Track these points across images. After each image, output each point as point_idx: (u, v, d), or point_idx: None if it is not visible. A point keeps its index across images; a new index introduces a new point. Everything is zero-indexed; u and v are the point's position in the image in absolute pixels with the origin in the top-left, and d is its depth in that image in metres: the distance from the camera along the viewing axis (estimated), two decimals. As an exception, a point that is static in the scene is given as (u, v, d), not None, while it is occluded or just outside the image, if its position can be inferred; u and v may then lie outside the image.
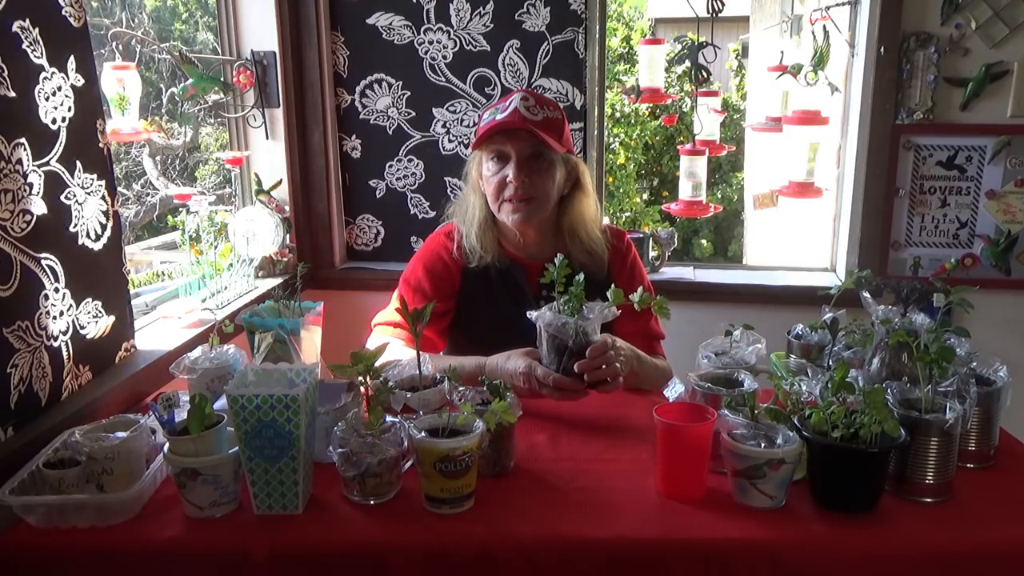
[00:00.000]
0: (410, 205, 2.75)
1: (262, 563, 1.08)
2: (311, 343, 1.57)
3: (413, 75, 2.62)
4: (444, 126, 2.66)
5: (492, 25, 2.56)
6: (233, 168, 2.55)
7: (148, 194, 3.66)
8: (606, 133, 3.23)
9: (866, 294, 1.45)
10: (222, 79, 2.43)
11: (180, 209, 2.06)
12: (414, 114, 2.66)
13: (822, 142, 2.36)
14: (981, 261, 2.51)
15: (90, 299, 1.51)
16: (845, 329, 1.48)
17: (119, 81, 1.93)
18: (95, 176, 1.54)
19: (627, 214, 7.89)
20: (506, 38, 2.56)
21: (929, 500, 1.18)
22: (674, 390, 1.38)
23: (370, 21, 2.60)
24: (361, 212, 2.78)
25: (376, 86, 2.65)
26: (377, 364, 1.24)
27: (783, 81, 2.42)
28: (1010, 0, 2.31)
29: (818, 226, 2.97)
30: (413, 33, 2.59)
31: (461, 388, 1.32)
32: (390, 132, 2.68)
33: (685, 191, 2.29)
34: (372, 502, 1.19)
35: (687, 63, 2.31)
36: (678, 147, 2.35)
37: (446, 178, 2.70)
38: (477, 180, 1.80)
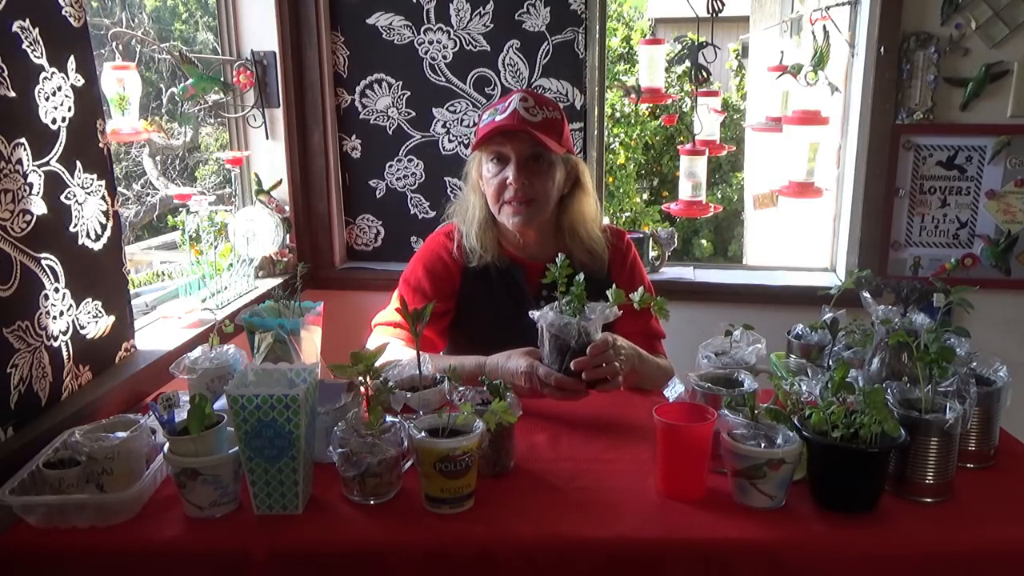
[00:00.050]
0: (410, 205, 2.75)
1: (262, 563, 1.08)
2: (311, 343, 1.57)
3: (413, 75, 2.62)
4: (444, 126, 2.66)
5: (492, 25, 2.56)
6: (233, 168, 2.55)
7: (148, 194, 3.66)
8: (606, 133, 3.23)
9: (866, 294, 1.45)
10: (222, 79, 2.43)
11: (180, 209, 2.06)
12: (414, 114, 2.66)
13: (822, 142, 2.36)
14: (981, 261, 2.51)
15: (90, 299, 1.51)
16: (845, 329, 1.48)
17: (119, 81, 1.93)
18: (95, 176, 1.54)
19: (627, 214, 7.89)
20: (506, 38, 2.56)
21: (929, 500, 1.18)
22: (674, 390, 1.38)
23: (370, 21, 2.60)
24: (361, 212, 2.78)
25: (376, 86, 2.65)
26: (377, 364, 1.24)
27: (783, 81, 2.42)
28: (1010, 0, 2.31)
29: (818, 226, 2.97)
30: (413, 33, 2.59)
31: (461, 388, 1.32)
32: (390, 132, 2.68)
33: (685, 191, 2.29)
34: (372, 502, 1.19)
35: (687, 63, 2.31)
36: (678, 147, 2.35)
37: (446, 178, 2.70)
38: (477, 180, 1.80)
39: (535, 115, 1.69)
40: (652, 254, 2.72)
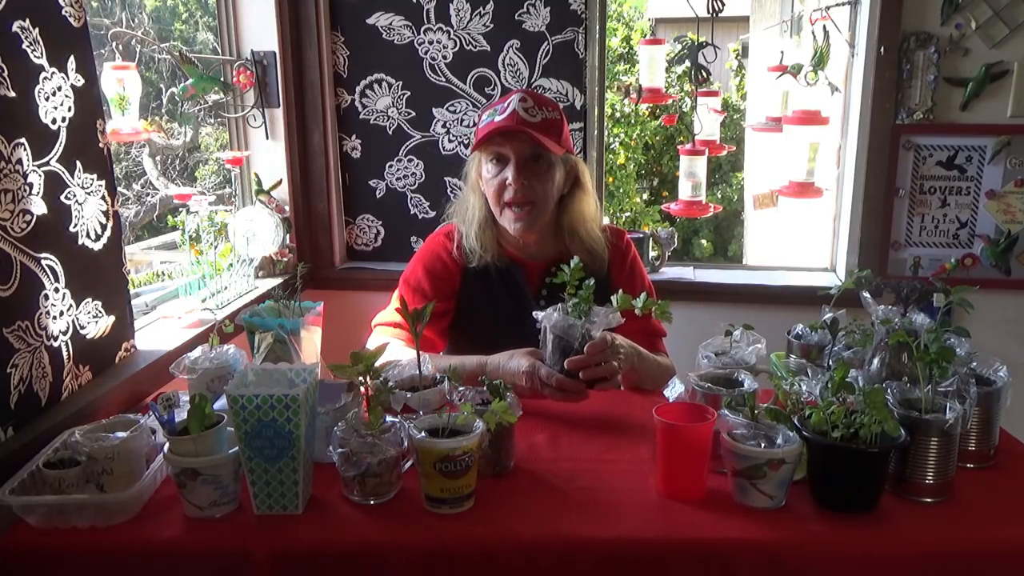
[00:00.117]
0: (410, 205, 2.75)
1: (262, 563, 1.08)
2: (311, 343, 1.57)
3: (413, 75, 2.62)
4: (444, 126, 2.66)
5: (492, 25, 2.56)
6: (233, 168, 2.55)
7: (148, 194, 3.66)
8: (606, 133, 3.23)
9: (866, 294, 1.45)
10: (222, 79, 2.43)
11: (180, 209, 2.06)
12: (414, 114, 2.66)
13: (822, 142, 2.36)
14: (981, 261, 2.51)
15: (90, 299, 1.51)
16: (845, 329, 1.48)
17: (119, 81, 1.93)
18: (95, 176, 1.54)
19: (627, 214, 7.89)
20: (506, 38, 2.56)
21: (929, 500, 1.18)
22: (674, 390, 1.38)
23: (370, 21, 2.60)
24: (361, 212, 2.78)
25: (376, 86, 2.65)
26: (377, 364, 1.24)
27: (783, 81, 2.42)
28: (1010, 0, 2.31)
29: (818, 226, 2.97)
30: (413, 33, 2.59)
31: (461, 388, 1.32)
32: (390, 132, 2.68)
33: (685, 191, 2.29)
34: (372, 502, 1.19)
35: (687, 63, 2.31)
36: (678, 147, 2.35)
37: (446, 178, 2.70)
38: (476, 181, 1.80)
39: (534, 115, 1.69)
40: (652, 254, 2.72)
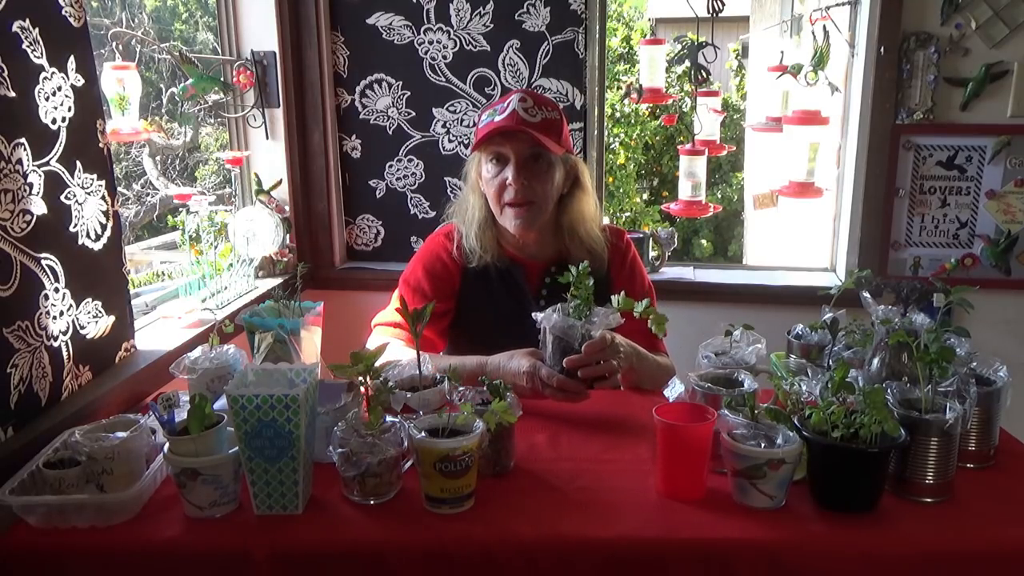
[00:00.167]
0: (410, 205, 2.75)
1: (262, 563, 1.08)
2: (311, 343, 1.57)
3: (413, 75, 2.62)
4: (444, 126, 2.66)
5: (492, 25, 2.56)
6: (233, 168, 2.55)
7: (148, 194, 3.66)
8: (606, 133, 3.23)
9: (866, 294, 1.45)
10: (222, 79, 2.43)
11: (180, 209, 2.06)
12: (414, 114, 2.66)
13: (822, 142, 2.36)
14: (981, 261, 2.51)
15: (90, 299, 1.51)
16: (845, 329, 1.48)
17: (119, 81, 1.93)
18: (95, 176, 1.54)
19: (627, 214, 7.89)
20: (506, 38, 2.56)
21: (929, 500, 1.18)
22: (674, 390, 1.38)
23: (370, 21, 2.60)
24: (361, 212, 2.78)
25: (376, 86, 2.65)
26: (377, 364, 1.24)
27: (783, 81, 2.42)
28: (1010, 0, 2.31)
29: (818, 226, 2.97)
30: (413, 33, 2.59)
31: (461, 388, 1.32)
32: (390, 132, 2.68)
33: (685, 191, 2.29)
34: (372, 502, 1.19)
35: (687, 63, 2.31)
36: (678, 147, 2.35)
37: (446, 178, 2.70)
38: (476, 181, 1.80)
39: (534, 115, 1.69)
40: (652, 254, 2.72)
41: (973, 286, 1.35)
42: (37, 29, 1.38)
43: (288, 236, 2.53)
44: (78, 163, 1.48)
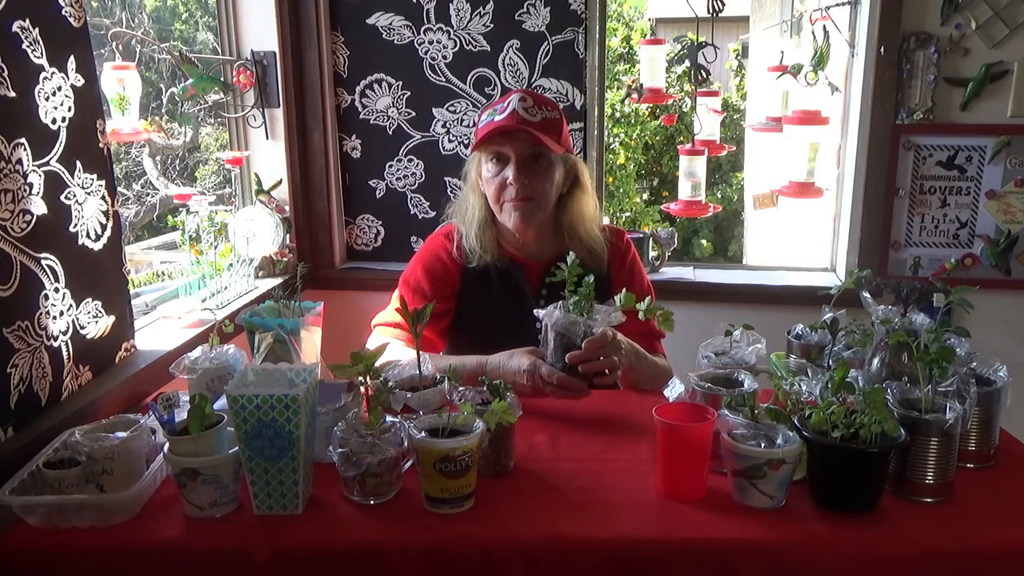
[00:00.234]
0: (410, 205, 2.75)
1: (262, 563, 1.08)
2: (311, 343, 1.57)
3: (413, 75, 2.62)
4: (444, 126, 2.66)
5: (492, 25, 2.56)
6: (233, 168, 2.55)
7: (148, 194, 3.66)
8: (606, 133, 3.23)
9: (866, 294, 1.45)
10: (222, 79, 2.43)
11: (180, 209, 2.06)
12: (414, 114, 2.66)
13: (822, 142, 2.36)
14: (981, 261, 2.51)
15: (90, 299, 1.51)
16: (845, 329, 1.48)
17: (119, 81, 1.93)
18: (95, 176, 1.54)
19: (627, 214, 7.89)
20: (506, 38, 2.56)
21: (929, 500, 1.18)
22: (674, 390, 1.38)
23: (370, 21, 2.60)
24: (361, 212, 2.78)
25: (376, 86, 2.65)
26: (377, 364, 1.24)
27: (783, 81, 2.42)
28: (1010, 0, 2.31)
29: (818, 226, 2.97)
30: (413, 33, 2.59)
31: (461, 388, 1.32)
32: (390, 132, 2.68)
33: (685, 191, 2.29)
34: (372, 502, 1.19)
35: (687, 63, 2.31)
36: (678, 147, 2.35)
37: (446, 178, 2.70)
38: (476, 180, 1.80)
39: (534, 115, 1.69)
40: (652, 254, 2.72)
41: (973, 286, 1.35)
42: (37, 29, 1.38)
43: (288, 236, 2.53)
44: (78, 163, 1.48)
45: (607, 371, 1.50)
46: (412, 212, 2.75)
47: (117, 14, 2.75)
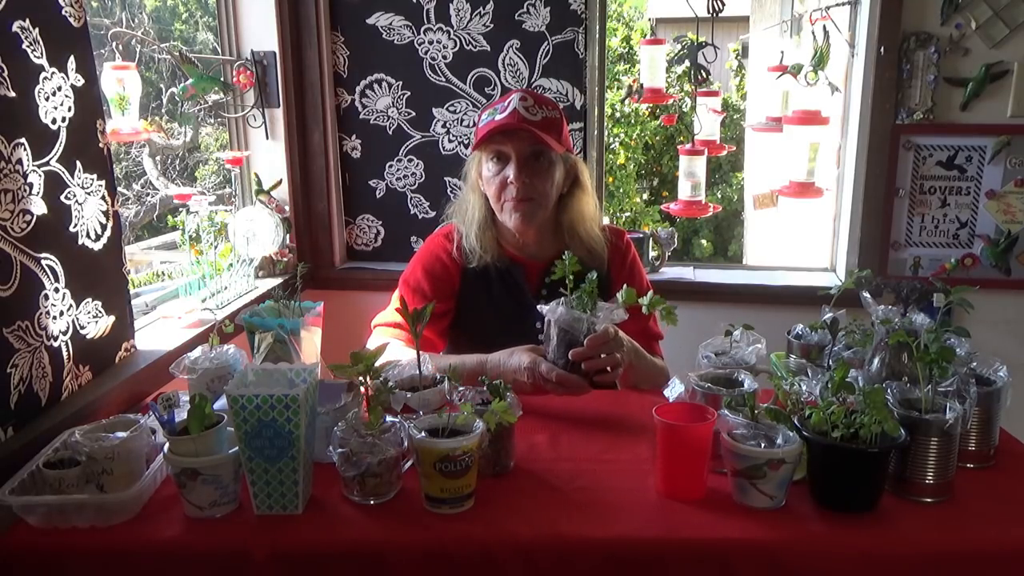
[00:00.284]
0: (410, 205, 2.75)
1: (262, 563, 1.08)
2: (311, 343, 1.57)
3: (413, 75, 2.62)
4: (444, 126, 2.66)
5: (492, 25, 2.56)
6: (233, 168, 2.55)
7: (148, 194, 3.66)
8: (606, 133, 3.23)
9: (866, 294, 1.45)
10: (222, 79, 2.43)
11: (180, 209, 2.06)
12: (414, 114, 2.66)
13: (822, 142, 2.36)
14: (981, 261, 2.51)
15: (90, 299, 1.51)
16: (845, 329, 1.48)
17: (119, 81, 1.93)
18: (95, 176, 1.54)
19: (627, 214, 7.89)
20: (506, 38, 2.56)
21: (929, 500, 1.18)
22: (674, 390, 1.38)
23: (370, 21, 2.60)
24: (361, 212, 2.78)
25: (376, 86, 2.65)
26: (377, 364, 1.24)
27: (783, 81, 2.42)
28: (1010, 0, 2.31)
29: (818, 226, 2.97)
30: (413, 33, 2.59)
31: (461, 388, 1.32)
32: (390, 132, 2.68)
33: (684, 191, 2.30)
34: (372, 502, 1.19)
35: (687, 63, 2.31)
36: (678, 147, 2.35)
37: (446, 178, 2.70)
38: (476, 180, 1.80)
39: (535, 114, 1.69)
40: (652, 254, 2.72)
41: (973, 286, 1.35)
42: (37, 29, 1.38)
43: (288, 236, 2.53)
44: (78, 163, 1.48)
45: (610, 368, 1.50)
46: (412, 212, 2.75)
47: (117, 14, 2.75)
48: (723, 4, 2.19)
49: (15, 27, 1.33)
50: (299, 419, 1.12)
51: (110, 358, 1.60)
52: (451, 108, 2.64)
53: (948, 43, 2.37)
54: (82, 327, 1.49)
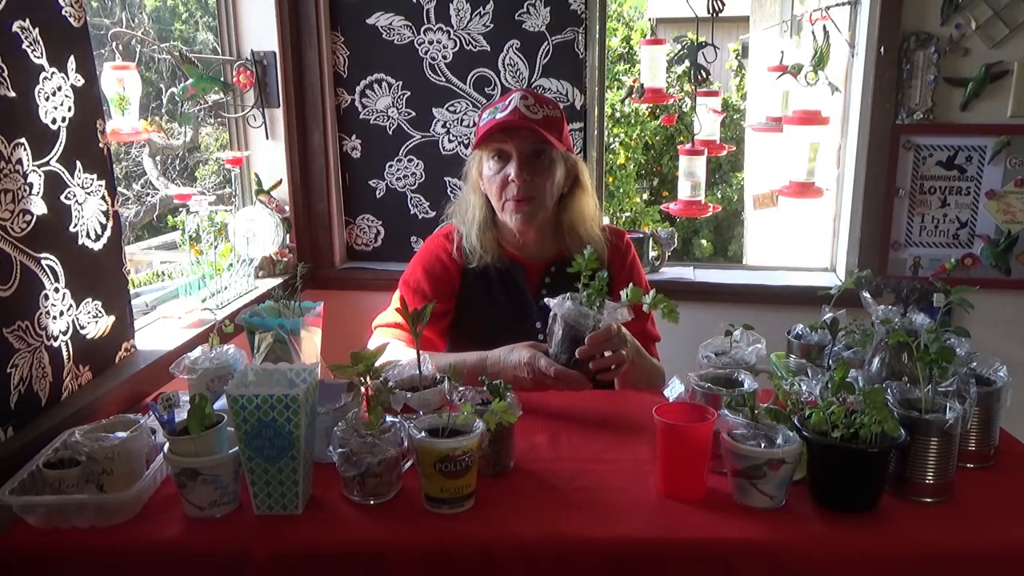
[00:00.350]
0: (410, 205, 2.75)
1: (262, 563, 1.08)
2: (311, 343, 1.57)
3: (413, 75, 2.62)
4: (444, 126, 2.66)
5: (492, 25, 2.56)
6: (233, 168, 2.55)
7: (148, 194, 3.66)
8: (606, 133, 3.23)
9: (866, 294, 1.45)
10: (222, 79, 2.43)
11: (180, 209, 2.06)
12: (414, 114, 2.66)
13: (822, 142, 2.36)
14: (981, 261, 2.51)
15: (90, 299, 1.51)
16: (845, 329, 1.48)
17: (119, 81, 1.93)
18: (95, 176, 1.54)
19: (627, 214, 7.89)
20: (506, 38, 2.56)
21: (929, 500, 1.18)
22: (674, 390, 1.38)
23: (370, 21, 2.60)
24: (361, 212, 2.78)
25: (376, 86, 2.65)
26: (377, 364, 1.24)
27: (783, 81, 2.42)
28: (1010, 0, 2.31)
29: (818, 226, 2.97)
30: (413, 33, 2.59)
31: (461, 388, 1.32)
32: (390, 132, 2.68)
33: (684, 191, 2.30)
34: (372, 502, 1.19)
35: (687, 63, 2.31)
36: (678, 147, 2.35)
37: (446, 178, 2.70)
38: (477, 180, 1.80)
39: (536, 113, 1.69)
40: (652, 254, 2.72)
41: (973, 286, 1.35)
42: (37, 29, 1.38)
43: (288, 236, 2.53)
44: (78, 163, 1.48)
45: (614, 366, 1.50)
46: (412, 212, 2.75)
47: (117, 14, 2.75)
48: (723, 4, 2.19)
49: (15, 27, 1.33)
50: (299, 419, 1.12)
51: (110, 358, 1.60)
52: (451, 108, 2.64)
53: (948, 43, 2.37)
54: (82, 327, 1.49)
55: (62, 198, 1.43)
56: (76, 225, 1.48)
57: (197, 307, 1.96)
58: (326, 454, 1.19)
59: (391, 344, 1.57)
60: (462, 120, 2.64)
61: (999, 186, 2.46)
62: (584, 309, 1.47)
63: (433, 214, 2.72)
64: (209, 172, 4.28)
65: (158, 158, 2.89)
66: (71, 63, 1.47)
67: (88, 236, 1.51)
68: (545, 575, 1.09)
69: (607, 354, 1.52)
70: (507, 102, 1.71)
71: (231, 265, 2.23)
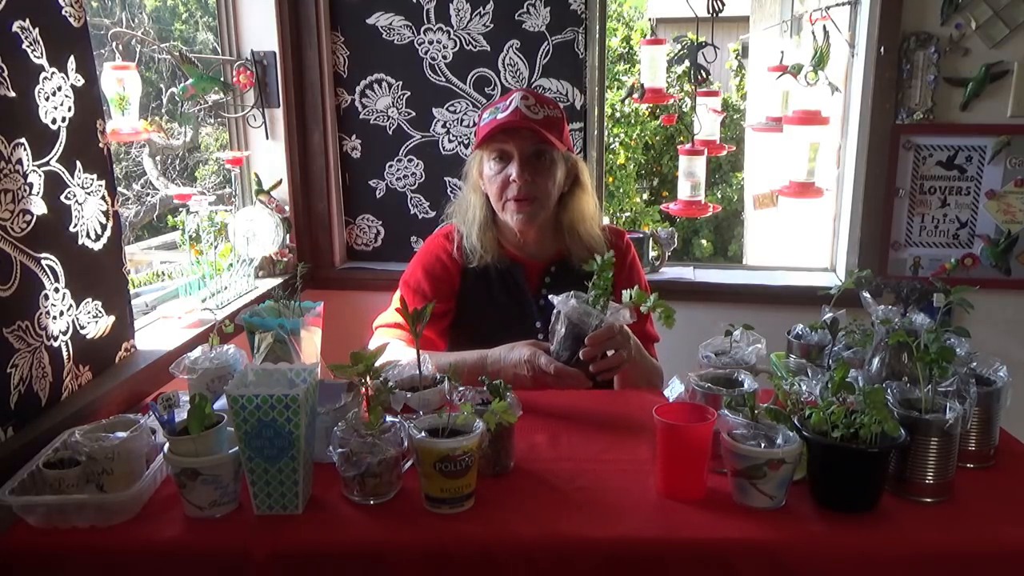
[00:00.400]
0: (410, 205, 2.75)
1: (262, 563, 1.08)
2: (311, 343, 1.57)
3: (413, 75, 2.62)
4: (444, 126, 2.66)
5: (492, 25, 2.56)
6: (233, 168, 2.55)
7: (148, 194, 3.66)
8: (606, 133, 3.23)
9: (866, 294, 1.45)
10: (222, 79, 2.43)
11: (180, 209, 2.06)
12: (414, 114, 2.66)
13: (822, 142, 2.36)
14: (981, 261, 2.51)
15: (90, 299, 1.51)
16: (845, 329, 1.48)
17: (119, 81, 1.93)
18: (95, 176, 1.54)
19: (627, 214, 7.89)
20: (506, 38, 2.56)
21: (929, 500, 1.18)
22: (674, 390, 1.38)
23: (370, 21, 2.60)
24: (361, 212, 2.78)
25: (376, 86, 2.65)
26: (377, 364, 1.24)
27: (783, 81, 2.42)
28: (1010, 0, 2.31)
29: (818, 226, 2.97)
30: (413, 33, 2.59)
31: (461, 388, 1.32)
32: (390, 132, 2.68)
33: (684, 191, 2.30)
34: (372, 502, 1.19)
35: (687, 63, 2.31)
36: (678, 147, 2.35)
37: (446, 178, 2.70)
38: (477, 180, 1.80)
39: (536, 113, 1.69)
40: (652, 254, 2.72)
41: (973, 286, 1.35)
42: (37, 29, 1.38)
43: (288, 236, 2.53)
44: (78, 163, 1.48)
45: (617, 366, 1.51)
46: (412, 212, 2.75)
47: (117, 14, 2.75)
48: (723, 4, 2.19)
49: (15, 27, 1.33)
50: (299, 419, 1.12)
51: (110, 358, 1.60)
52: (451, 108, 2.64)
53: (948, 43, 2.37)
54: (82, 327, 1.49)
55: (62, 198, 1.43)
56: (76, 225, 1.48)
57: (197, 307, 1.96)
58: (326, 454, 1.19)
59: (391, 344, 1.57)
60: (462, 120, 2.64)
61: (999, 186, 2.46)
62: (588, 308, 1.47)
63: (433, 214, 2.72)
64: (209, 172, 4.28)
65: (158, 158, 2.89)
66: (71, 63, 1.47)
67: (88, 236, 1.51)
68: (545, 575, 1.09)
69: (609, 354, 1.52)
70: (508, 102, 1.71)
71: (231, 265, 2.23)
